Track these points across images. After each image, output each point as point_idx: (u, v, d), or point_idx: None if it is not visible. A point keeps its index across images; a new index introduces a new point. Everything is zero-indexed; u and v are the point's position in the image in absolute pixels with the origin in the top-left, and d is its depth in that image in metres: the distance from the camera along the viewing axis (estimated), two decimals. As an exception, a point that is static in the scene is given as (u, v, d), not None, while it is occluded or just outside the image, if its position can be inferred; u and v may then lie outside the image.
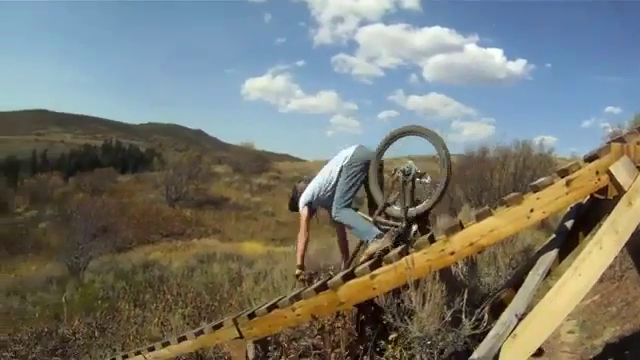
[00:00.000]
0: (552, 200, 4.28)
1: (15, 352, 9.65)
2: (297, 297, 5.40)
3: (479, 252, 4.88)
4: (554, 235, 5.16)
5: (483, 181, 26.80)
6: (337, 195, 6.24)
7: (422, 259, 4.68)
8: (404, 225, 5.68)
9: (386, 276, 4.84)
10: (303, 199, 6.62)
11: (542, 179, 4.49)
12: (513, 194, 4.49)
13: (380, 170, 6.26)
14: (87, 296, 13.46)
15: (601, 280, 7.76)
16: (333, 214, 6.28)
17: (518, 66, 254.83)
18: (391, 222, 5.82)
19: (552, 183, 4.34)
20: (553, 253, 4.83)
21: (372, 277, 4.88)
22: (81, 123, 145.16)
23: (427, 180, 5.82)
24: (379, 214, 5.97)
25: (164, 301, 9.43)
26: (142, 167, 76.47)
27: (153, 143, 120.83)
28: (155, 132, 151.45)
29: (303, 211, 6.60)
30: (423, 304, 5.10)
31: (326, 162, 6.63)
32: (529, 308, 4.25)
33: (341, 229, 6.70)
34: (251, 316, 5.75)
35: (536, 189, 4.37)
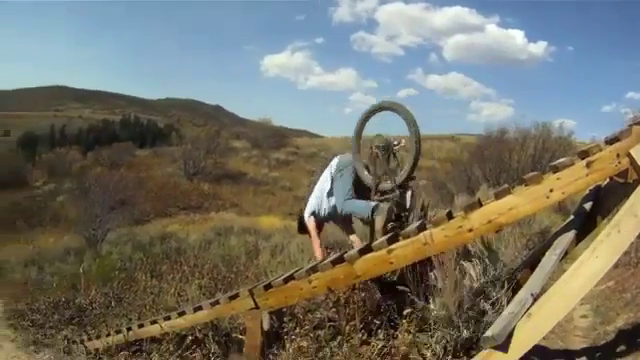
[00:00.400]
0: (572, 181, 4.25)
1: (32, 321, 9.78)
2: (314, 269, 5.41)
3: (497, 231, 4.83)
4: (572, 216, 5.16)
5: (502, 162, 26.53)
6: (336, 196, 6.63)
7: (440, 235, 4.66)
8: (398, 193, 5.97)
9: (403, 251, 4.82)
10: (307, 209, 7.01)
11: (562, 159, 4.44)
12: (533, 173, 4.45)
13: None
14: (104, 267, 13.47)
15: (616, 266, 7.81)
16: (339, 210, 6.57)
17: (539, 48, 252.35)
18: (387, 196, 6.06)
19: (572, 164, 4.30)
20: (570, 235, 4.83)
21: (389, 251, 4.87)
22: (100, 99, 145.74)
23: (402, 144, 6.29)
24: (375, 194, 6.21)
25: (181, 272, 9.50)
26: (160, 142, 76.76)
27: (171, 118, 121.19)
28: (173, 107, 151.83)
29: (309, 221, 6.96)
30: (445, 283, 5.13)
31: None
32: (544, 289, 4.24)
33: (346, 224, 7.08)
34: (267, 287, 5.80)
35: (556, 169, 4.34)
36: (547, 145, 27.48)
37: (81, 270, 12.00)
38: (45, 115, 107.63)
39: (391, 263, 4.91)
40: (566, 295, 3.98)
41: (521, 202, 4.39)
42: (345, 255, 5.19)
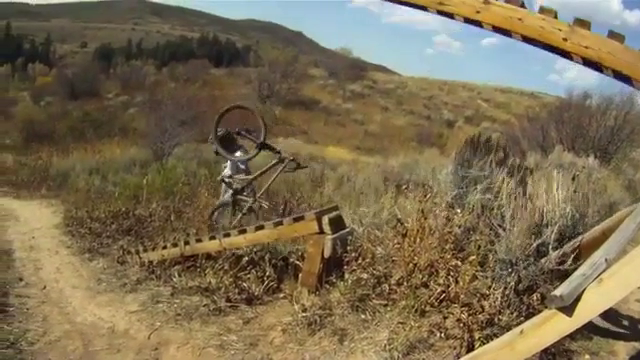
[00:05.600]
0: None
1: (90, 229, 9.88)
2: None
3: (594, 66, 4.38)
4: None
5: (580, 127, 25.48)
6: None
7: (536, 22, 4.36)
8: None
9: (499, 10, 4.48)
10: None
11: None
12: None
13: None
14: (168, 180, 13.45)
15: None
16: None
17: (634, 17, 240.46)
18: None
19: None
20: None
21: (485, 2, 4.52)
22: (180, 15, 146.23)
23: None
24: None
25: (243, 192, 9.44)
26: (237, 62, 76.97)
27: (250, 40, 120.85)
28: (254, 29, 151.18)
29: None
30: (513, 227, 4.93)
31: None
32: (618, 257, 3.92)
33: None
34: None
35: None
36: (628, 117, 26.31)
37: (145, 181, 12.06)
38: (123, 28, 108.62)
39: (477, 12, 4.56)
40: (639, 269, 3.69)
41: (624, 56, 4.04)
42: None
